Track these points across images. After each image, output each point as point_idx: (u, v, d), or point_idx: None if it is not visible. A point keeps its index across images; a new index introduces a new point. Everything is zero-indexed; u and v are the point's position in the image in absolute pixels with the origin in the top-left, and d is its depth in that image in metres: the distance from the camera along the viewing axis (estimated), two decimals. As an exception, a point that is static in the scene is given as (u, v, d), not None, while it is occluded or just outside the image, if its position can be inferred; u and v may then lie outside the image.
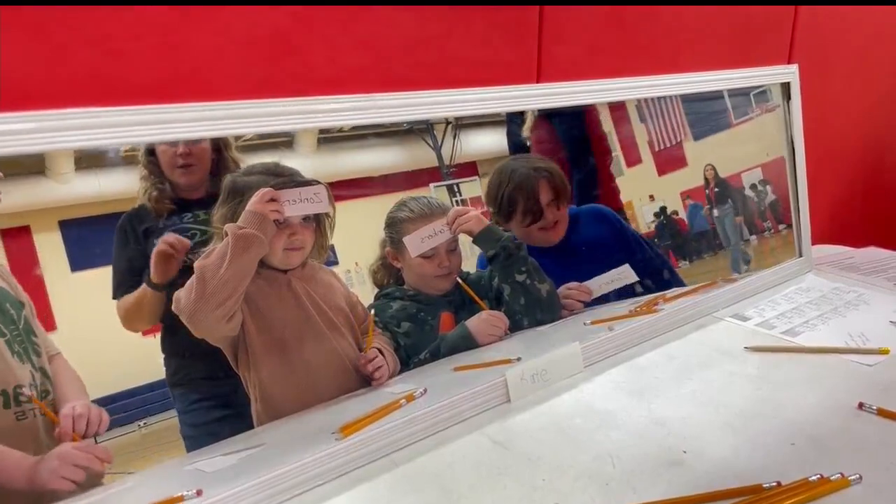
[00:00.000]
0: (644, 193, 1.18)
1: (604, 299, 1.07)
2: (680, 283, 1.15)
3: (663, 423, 0.77)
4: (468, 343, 0.93)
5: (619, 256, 1.09)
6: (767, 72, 1.17)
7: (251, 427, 0.80)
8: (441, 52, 0.87)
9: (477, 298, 0.95)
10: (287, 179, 0.80)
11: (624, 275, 1.05)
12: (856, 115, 1.55)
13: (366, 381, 0.85)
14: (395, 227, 0.93)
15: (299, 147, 0.83)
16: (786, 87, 1.19)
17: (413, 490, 0.67)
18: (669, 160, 1.19)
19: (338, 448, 0.71)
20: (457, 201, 1.01)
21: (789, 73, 1.18)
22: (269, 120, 0.72)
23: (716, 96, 1.18)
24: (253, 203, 0.77)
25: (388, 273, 0.97)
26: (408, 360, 0.92)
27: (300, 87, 0.75)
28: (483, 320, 0.94)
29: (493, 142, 1.04)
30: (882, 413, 0.77)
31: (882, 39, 1.54)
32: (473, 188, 1.03)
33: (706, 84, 1.11)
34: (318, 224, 0.84)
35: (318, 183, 0.80)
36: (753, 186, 1.27)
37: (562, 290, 1.03)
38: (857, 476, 0.66)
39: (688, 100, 1.15)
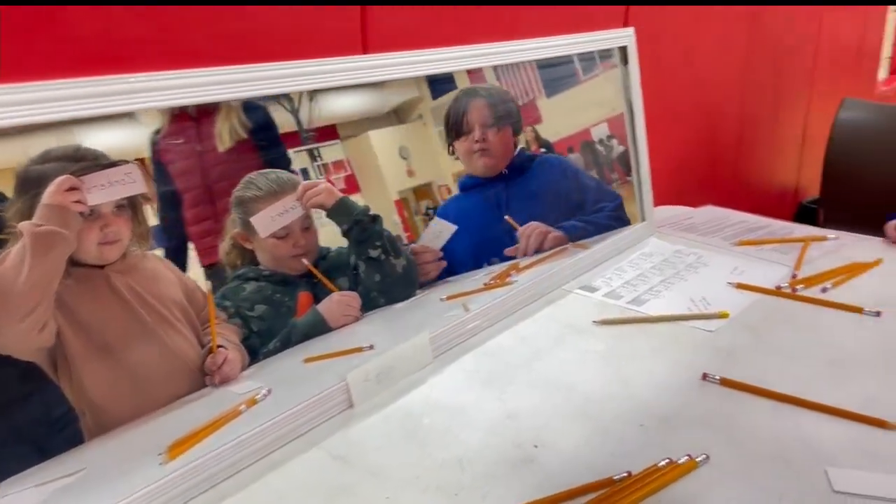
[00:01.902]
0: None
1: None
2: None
3: (515, 415, 0.73)
4: (321, 328, 0.86)
5: (566, 208, 1.09)
6: (604, 36, 1.15)
7: (81, 442, 0.69)
8: (245, 22, 0.76)
9: (326, 281, 0.88)
10: (90, 163, 0.68)
11: (442, 229, 1.00)
12: (690, 80, 1.59)
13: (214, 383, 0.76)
14: (243, 207, 0.84)
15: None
16: (623, 51, 1.18)
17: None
18: (525, 118, 1.16)
19: (161, 482, 0.61)
20: (317, 166, 0.93)
21: (625, 36, 1.17)
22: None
23: (565, 60, 1.15)
24: (50, 195, 0.64)
25: (241, 254, 0.88)
26: (261, 347, 0.84)
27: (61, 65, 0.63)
28: (335, 302, 0.88)
29: (353, 103, 0.96)
30: (725, 383, 0.78)
31: (707, 7, 1.58)
32: (335, 152, 0.95)
33: (544, 50, 1.07)
34: (135, 209, 0.73)
35: (128, 162, 0.69)
36: (601, 141, 1.26)
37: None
38: (704, 456, 0.65)
39: (543, 65, 1.13)
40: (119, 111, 0.68)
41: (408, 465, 0.66)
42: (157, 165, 0.76)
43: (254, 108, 0.84)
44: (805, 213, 2.29)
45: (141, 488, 0.60)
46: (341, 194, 0.90)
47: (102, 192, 0.68)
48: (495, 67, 1.09)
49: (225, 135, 0.82)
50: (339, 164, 0.96)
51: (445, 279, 1.01)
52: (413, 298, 0.95)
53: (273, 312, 0.86)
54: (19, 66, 0.65)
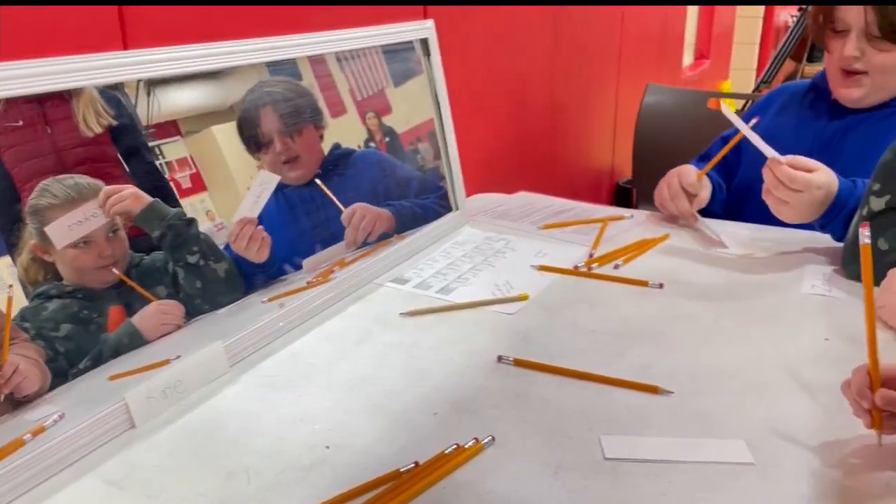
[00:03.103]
0: (354, 143, 1.12)
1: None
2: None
3: (312, 417, 0.72)
4: (135, 341, 0.80)
5: (382, 203, 1.06)
6: (404, 28, 1.16)
7: None
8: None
9: (141, 290, 0.82)
10: None
11: (265, 181, 0.95)
12: (498, 70, 1.64)
13: (10, 404, 0.68)
14: (39, 217, 0.77)
15: None
16: (424, 43, 1.19)
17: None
18: (375, 108, 1.16)
19: None
20: (159, 164, 0.87)
21: (426, 28, 1.18)
22: None
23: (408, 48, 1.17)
24: None
25: (41, 268, 0.80)
26: (69, 368, 0.76)
27: None
28: (152, 312, 0.82)
29: (194, 98, 0.91)
30: (518, 363, 0.81)
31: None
32: (178, 149, 0.89)
33: (345, 42, 1.06)
34: None
35: None
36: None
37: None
38: (490, 438, 0.67)
39: (388, 50, 1.14)
40: None
41: (190, 482, 0.63)
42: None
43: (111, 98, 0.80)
44: (622, 194, 2.45)
45: None
46: (150, 198, 0.84)
47: None
48: (338, 58, 1.08)
49: (91, 121, 0.79)
50: (183, 162, 0.91)
51: (277, 279, 0.97)
52: (238, 303, 0.91)
53: (81, 331, 0.79)
54: None
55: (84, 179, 0.82)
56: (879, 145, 1.08)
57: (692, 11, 3.37)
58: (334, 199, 1.05)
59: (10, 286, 0.75)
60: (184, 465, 0.65)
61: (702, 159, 1.40)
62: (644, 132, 2.16)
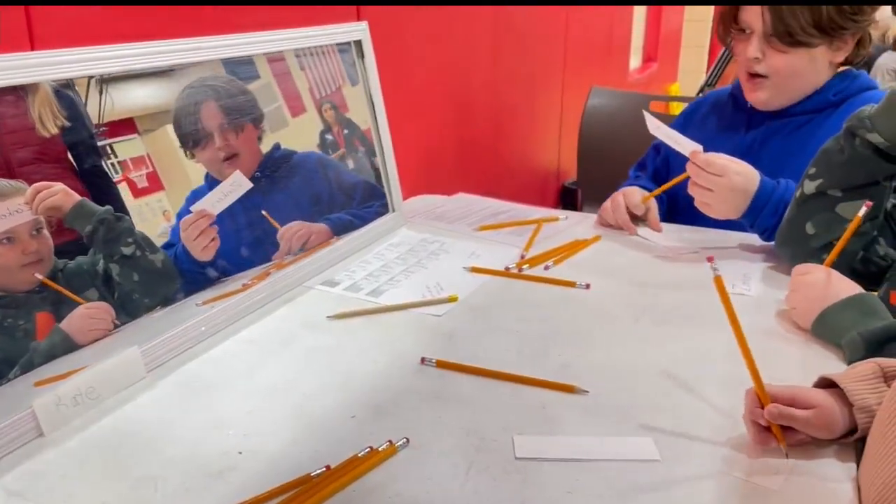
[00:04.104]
0: (311, 139, 1.13)
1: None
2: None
3: (227, 423, 0.71)
4: (66, 346, 0.78)
5: (330, 206, 1.07)
6: (337, 30, 1.15)
7: None
8: None
9: (68, 292, 0.80)
10: None
11: (237, 183, 0.96)
12: (437, 72, 1.64)
13: None
14: None
15: None
16: (358, 45, 1.19)
17: None
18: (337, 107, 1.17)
19: None
20: (112, 164, 0.86)
21: (359, 30, 1.18)
22: None
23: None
24: None
25: None
26: None
27: None
28: (80, 316, 0.80)
29: (152, 94, 0.90)
30: (440, 364, 0.81)
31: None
32: (134, 147, 0.88)
33: (276, 43, 1.05)
34: None
35: None
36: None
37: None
38: (405, 440, 0.67)
39: (343, 49, 1.15)
40: None
41: (97, 491, 0.62)
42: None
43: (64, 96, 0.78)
44: (567, 195, 2.48)
45: None
46: (79, 196, 0.82)
47: None
48: (298, 55, 1.08)
49: (47, 119, 0.78)
50: (139, 161, 0.89)
51: (212, 283, 0.95)
52: (171, 306, 0.89)
53: (7, 340, 0.76)
54: None
55: (5, 181, 0.81)
56: (798, 153, 1.12)
57: (639, 14, 3.42)
58: (274, 222, 1.04)
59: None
60: (92, 473, 0.64)
61: (638, 167, 1.43)
62: (588, 134, 2.19)
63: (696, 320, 0.91)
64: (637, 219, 1.23)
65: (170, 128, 0.93)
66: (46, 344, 0.79)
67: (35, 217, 0.79)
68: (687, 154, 1.08)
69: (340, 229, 1.14)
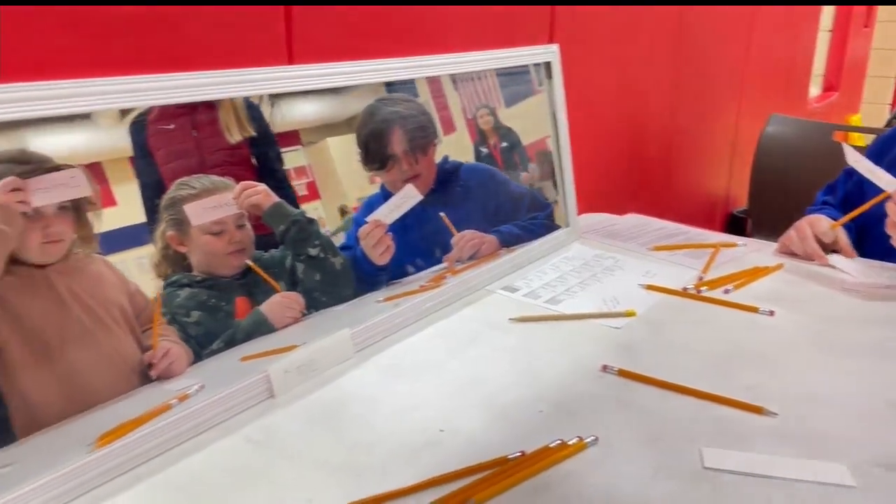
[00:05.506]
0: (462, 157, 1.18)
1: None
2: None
3: (425, 405, 0.78)
4: (264, 328, 0.89)
5: (498, 216, 1.10)
6: (530, 52, 1.22)
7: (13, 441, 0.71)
8: (171, 34, 0.81)
9: (269, 278, 0.91)
10: (35, 167, 0.71)
11: (408, 195, 1.02)
12: (618, 93, 1.67)
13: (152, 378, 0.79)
14: (177, 207, 0.86)
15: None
16: (547, 66, 1.25)
17: (157, 506, 0.63)
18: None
19: (85, 462, 0.65)
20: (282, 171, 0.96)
21: (550, 52, 1.24)
22: None
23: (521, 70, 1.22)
24: None
25: (170, 263, 0.90)
26: (200, 351, 0.86)
27: None
28: (277, 303, 0.91)
29: (314, 110, 1.00)
30: (622, 374, 0.84)
31: (634, 21, 1.66)
32: (297, 157, 0.97)
33: (471, 64, 1.13)
34: (78, 212, 0.76)
35: (73, 167, 0.73)
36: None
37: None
38: (594, 437, 0.71)
39: (502, 73, 1.19)
40: (61, 114, 0.71)
41: (320, 449, 0.70)
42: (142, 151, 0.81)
43: (253, 106, 0.89)
44: (735, 223, 2.40)
45: (63, 469, 0.64)
46: (278, 198, 0.93)
47: (46, 194, 0.71)
48: (453, 78, 1.13)
49: (233, 128, 0.88)
50: (301, 171, 0.98)
51: (389, 283, 1.04)
52: (353, 301, 0.98)
53: (210, 318, 0.88)
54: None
55: (219, 178, 0.90)
56: None
57: (822, 41, 3.25)
58: (451, 226, 1.10)
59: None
60: (314, 433, 0.73)
61: (828, 190, 1.38)
62: (764, 162, 2.12)
63: (887, 356, 0.88)
64: (825, 247, 1.19)
65: (331, 141, 1.01)
66: (248, 323, 0.90)
67: (240, 211, 0.91)
68: (888, 190, 1.04)
69: (510, 241, 1.20)
